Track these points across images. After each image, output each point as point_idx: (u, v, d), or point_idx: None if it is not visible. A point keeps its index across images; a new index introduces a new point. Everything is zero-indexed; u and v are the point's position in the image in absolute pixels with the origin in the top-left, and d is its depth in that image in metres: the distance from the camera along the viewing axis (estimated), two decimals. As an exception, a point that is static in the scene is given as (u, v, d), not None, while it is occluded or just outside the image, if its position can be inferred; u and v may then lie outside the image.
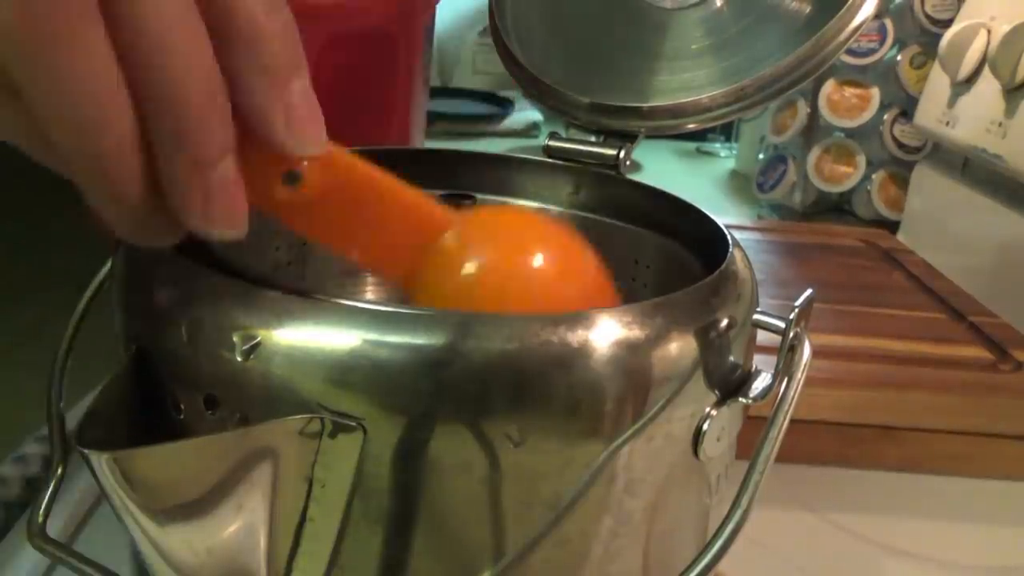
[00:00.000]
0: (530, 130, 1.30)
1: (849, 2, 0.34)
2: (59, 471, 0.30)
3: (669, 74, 0.39)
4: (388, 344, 0.22)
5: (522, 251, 0.27)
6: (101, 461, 0.21)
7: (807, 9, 0.36)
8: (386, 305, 0.23)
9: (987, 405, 0.51)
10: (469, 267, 0.27)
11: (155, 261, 0.26)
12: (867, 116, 1.00)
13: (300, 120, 0.22)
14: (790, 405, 0.26)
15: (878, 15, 0.96)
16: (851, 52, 0.98)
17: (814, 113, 1.03)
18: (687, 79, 0.38)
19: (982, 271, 0.78)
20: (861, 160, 1.03)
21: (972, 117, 0.79)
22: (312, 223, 0.26)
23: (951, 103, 0.83)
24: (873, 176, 1.02)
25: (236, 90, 0.21)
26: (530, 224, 0.29)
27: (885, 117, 1.01)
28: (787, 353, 0.27)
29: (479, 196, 0.38)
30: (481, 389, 0.23)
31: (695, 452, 0.26)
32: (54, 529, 0.29)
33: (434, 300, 0.27)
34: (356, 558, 0.24)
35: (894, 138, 1.01)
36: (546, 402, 0.23)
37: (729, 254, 0.30)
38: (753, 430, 0.27)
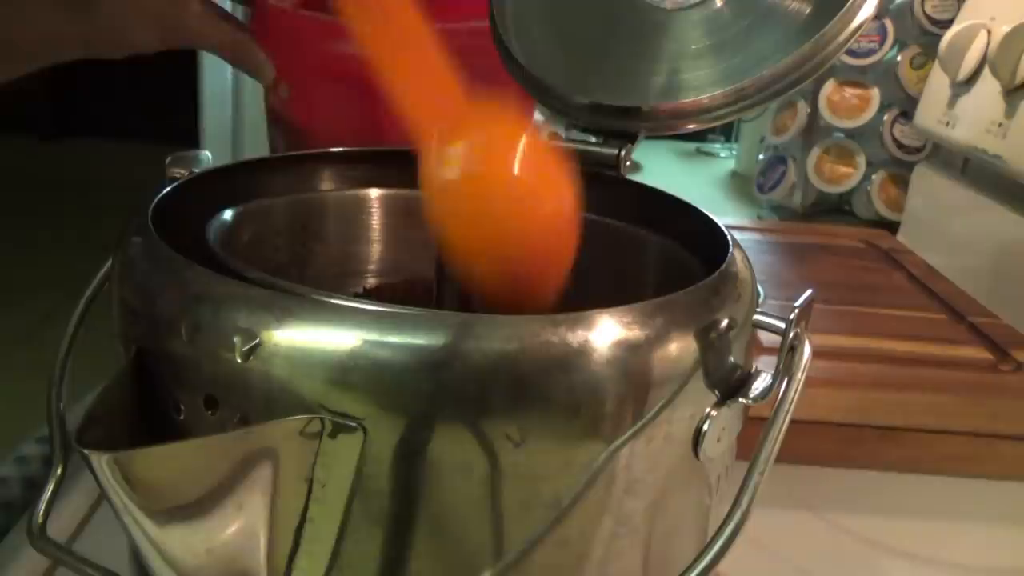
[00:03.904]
0: (530, 130, 1.30)
1: (849, 2, 0.34)
2: (59, 471, 0.30)
3: (669, 74, 0.39)
4: (388, 344, 0.22)
5: (506, 162, 0.30)
6: (101, 461, 0.21)
7: (807, 9, 0.36)
8: (386, 305, 0.23)
9: (987, 405, 0.51)
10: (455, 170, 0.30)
11: (155, 261, 0.26)
12: (867, 116, 1.00)
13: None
14: (790, 405, 0.26)
15: (878, 15, 0.96)
16: (851, 52, 0.98)
17: (814, 113, 1.03)
18: (687, 79, 0.38)
19: (982, 272, 0.78)
20: (861, 160, 1.03)
21: (972, 117, 0.79)
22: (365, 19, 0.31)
23: (951, 103, 0.83)
24: (873, 176, 1.02)
25: None
26: (516, 137, 0.31)
27: (885, 117, 1.01)
28: (787, 353, 0.27)
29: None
30: (481, 389, 0.23)
31: (695, 453, 0.26)
32: (54, 529, 0.29)
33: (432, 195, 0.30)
34: (356, 558, 0.24)
35: (894, 138, 1.01)
36: (546, 403, 0.23)
37: (729, 254, 0.30)
38: (753, 430, 0.27)
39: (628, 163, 0.38)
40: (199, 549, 0.23)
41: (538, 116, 1.35)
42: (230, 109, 1.63)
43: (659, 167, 1.30)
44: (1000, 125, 0.74)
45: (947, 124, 0.83)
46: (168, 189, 0.32)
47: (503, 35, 0.41)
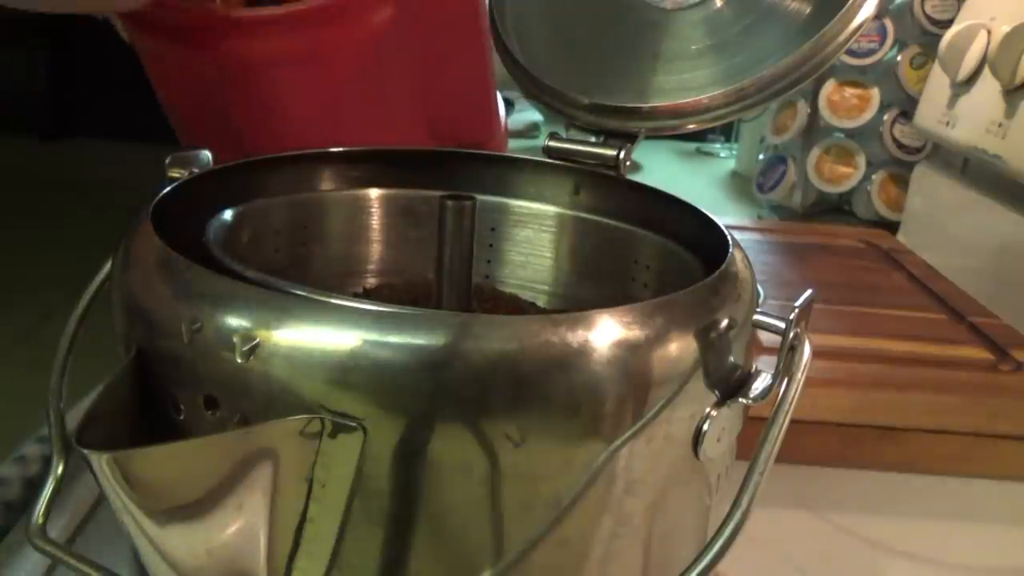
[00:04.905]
0: (530, 130, 1.30)
1: (849, 2, 0.34)
2: (59, 471, 0.30)
3: (669, 74, 0.39)
4: (388, 344, 0.22)
5: None
6: (101, 461, 0.21)
7: (807, 9, 0.36)
8: (386, 305, 0.23)
9: (987, 405, 0.51)
10: None
11: (155, 261, 0.26)
12: (867, 116, 1.00)
13: None
14: (790, 405, 0.26)
15: (878, 15, 0.97)
16: (851, 52, 0.98)
17: (814, 113, 1.03)
18: (687, 79, 0.38)
19: (982, 272, 0.78)
20: (861, 160, 1.03)
21: (972, 117, 0.79)
22: None
23: (951, 103, 0.83)
24: (873, 176, 1.02)
25: None
26: None
27: (885, 117, 1.01)
28: (787, 353, 0.27)
29: (479, 196, 0.38)
30: (481, 389, 0.23)
31: (695, 453, 0.26)
32: (54, 529, 0.29)
33: None
34: (356, 558, 0.24)
35: (894, 138, 1.01)
36: (546, 402, 0.23)
37: (729, 254, 0.30)
38: (753, 430, 0.27)
39: (628, 163, 0.38)
40: (199, 549, 0.23)
41: (538, 116, 1.35)
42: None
43: (659, 167, 1.30)
44: (1000, 125, 0.74)
45: (947, 124, 0.83)
46: (168, 189, 0.32)
47: (503, 35, 0.41)
